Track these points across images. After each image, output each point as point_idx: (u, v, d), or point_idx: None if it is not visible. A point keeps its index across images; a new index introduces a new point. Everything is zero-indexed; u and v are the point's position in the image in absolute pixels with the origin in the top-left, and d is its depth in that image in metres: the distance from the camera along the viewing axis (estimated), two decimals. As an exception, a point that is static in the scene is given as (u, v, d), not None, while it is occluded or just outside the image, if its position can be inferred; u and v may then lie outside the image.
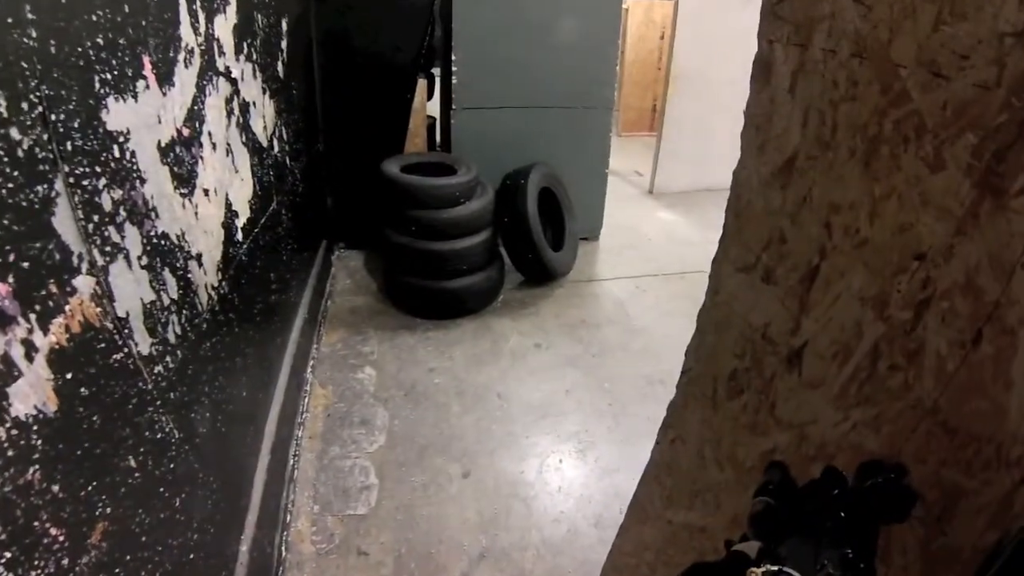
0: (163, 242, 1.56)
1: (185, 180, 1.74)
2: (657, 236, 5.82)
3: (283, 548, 2.47)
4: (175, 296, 1.62)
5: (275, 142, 3.06)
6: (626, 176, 7.31)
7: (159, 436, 1.47)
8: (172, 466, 1.53)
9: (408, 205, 3.96)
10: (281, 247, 3.09)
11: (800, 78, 1.10)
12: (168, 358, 1.54)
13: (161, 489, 1.46)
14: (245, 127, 2.49)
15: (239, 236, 2.30)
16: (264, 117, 2.82)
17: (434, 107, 5.11)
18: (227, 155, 2.18)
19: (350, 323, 3.98)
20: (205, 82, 1.95)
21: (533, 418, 3.41)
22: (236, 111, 2.35)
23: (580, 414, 3.48)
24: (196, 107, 1.86)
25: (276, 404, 2.75)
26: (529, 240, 4.37)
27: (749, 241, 1.33)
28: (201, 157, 1.88)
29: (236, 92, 2.35)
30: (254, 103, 2.68)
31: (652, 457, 1.89)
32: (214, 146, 2.01)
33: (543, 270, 4.57)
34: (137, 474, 1.33)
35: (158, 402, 1.46)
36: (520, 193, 4.32)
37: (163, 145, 1.58)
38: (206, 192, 1.90)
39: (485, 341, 4.02)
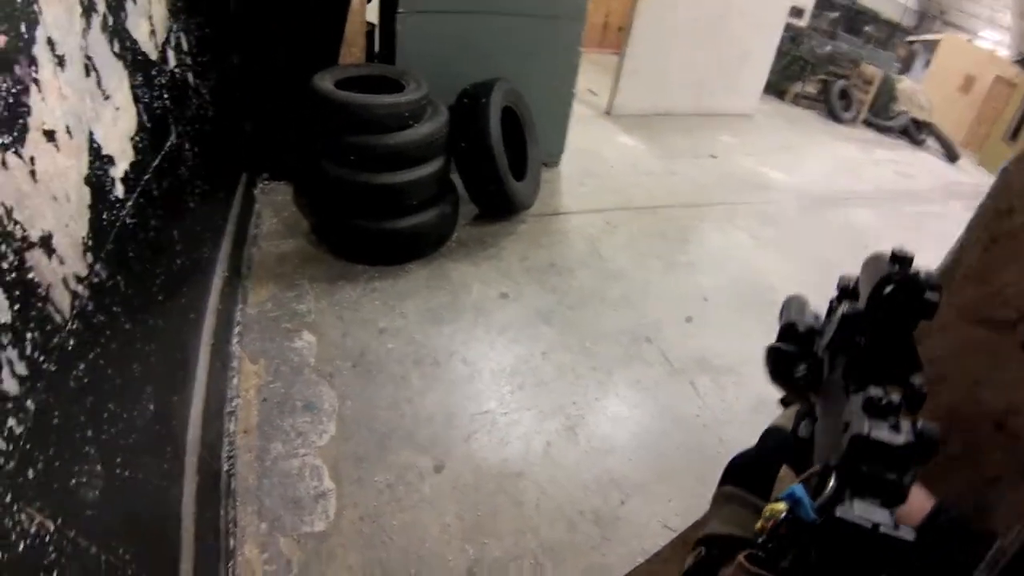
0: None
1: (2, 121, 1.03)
2: (620, 163, 5.28)
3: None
4: (7, 320, 0.96)
5: (170, 53, 2.25)
6: (579, 95, 6.65)
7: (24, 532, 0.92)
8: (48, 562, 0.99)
9: (346, 129, 3.19)
10: (187, 192, 2.34)
11: None
12: (12, 420, 0.92)
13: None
14: (118, 32, 1.70)
15: (118, 191, 1.58)
16: (151, 19, 2.01)
17: (374, 11, 4.15)
18: (87, 74, 1.43)
19: (280, 275, 3.26)
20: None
21: (509, 389, 2.91)
22: (100, 7, 1.57)
23: (562, 382, 3.01)
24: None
25: (197, 401, 2.11)
26: (492, 169, 3.71)
27: (1007, 286, 0.81)
28: (34, 80, 1.15)
29: (100, -23, 1.56)
30: (134, -2, 1.87)
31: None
32: (60, 61, 1.27)
33: (506, 203, 3.95)
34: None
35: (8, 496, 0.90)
36: (481, 113, 3.62)
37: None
38: (49, 135, 1.18)
39: (442, 292, 3.43)
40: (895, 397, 0.56)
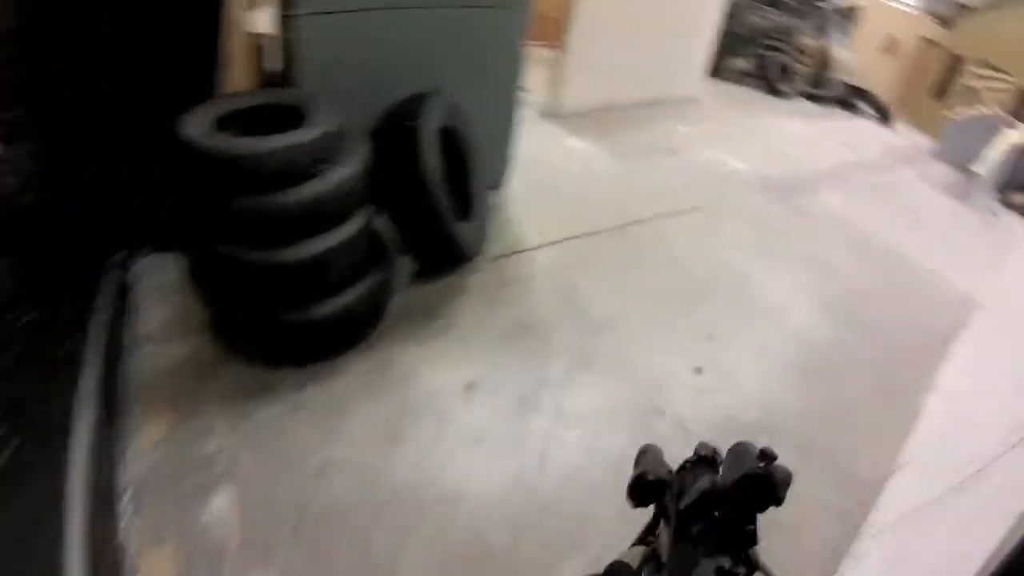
0: None
1: None
2: (575, 173, 4.54)
3: None
4: None
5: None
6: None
7: None
8: None
9: (227, 189, 2.26)
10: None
11: None
12: None
13: None
14: None
15: None
16: None
17: (263, 19, 3.08)
18: None
19: (175, 398, 2.34)
20: None
21: (508, 528, 2.15)
22: None
23: (572, 500, 2.29)
24: None
25: None
26: (431, 211, 2.89)
27: None
28: None
29: None
30: None
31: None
32: None
33: (451, 252, 3.13)
34: None
35: None
36: (413, 141, 2.79)
37: None
38: None
39: (389, 394, 2.58)
40: (740, 570, 0.74)
